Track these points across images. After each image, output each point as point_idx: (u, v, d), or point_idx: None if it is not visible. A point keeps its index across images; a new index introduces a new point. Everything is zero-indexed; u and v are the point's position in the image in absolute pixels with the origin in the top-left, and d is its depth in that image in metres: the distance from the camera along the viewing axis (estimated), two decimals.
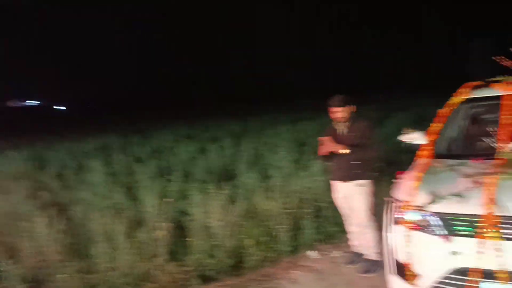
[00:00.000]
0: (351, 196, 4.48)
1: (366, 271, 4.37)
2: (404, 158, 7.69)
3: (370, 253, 4.44)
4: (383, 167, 7.86)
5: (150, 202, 5.88)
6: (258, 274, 4.69)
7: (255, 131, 16.52)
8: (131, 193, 7.46)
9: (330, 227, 5.92)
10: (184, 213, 6.11)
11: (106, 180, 8.02)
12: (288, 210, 5.81)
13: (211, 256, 5.14)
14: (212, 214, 5.32)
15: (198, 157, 9.85)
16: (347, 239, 4.90)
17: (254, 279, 4.60)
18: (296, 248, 5.37)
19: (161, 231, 5.09)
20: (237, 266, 5.12)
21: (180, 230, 5.97)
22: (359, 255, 4.65)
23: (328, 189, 6.38)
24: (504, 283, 2.56)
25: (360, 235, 4.61)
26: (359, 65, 40.87)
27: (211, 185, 6.16)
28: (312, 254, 5.02)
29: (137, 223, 6.09)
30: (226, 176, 8.82)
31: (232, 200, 5.83)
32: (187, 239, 5.40)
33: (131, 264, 4.90)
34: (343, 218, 4.73)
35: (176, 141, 13.97)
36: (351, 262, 4.65)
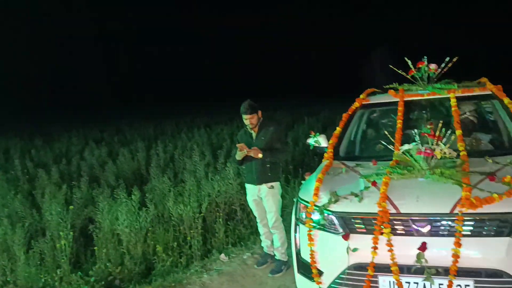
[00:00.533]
0: (262, 198, 4.57)
1: (276, 272, 4.48)
2: (313, 159, 8.05)
3: (280, 254, 4.56)
4: (293, 169, 8.15)
5: (53, 210, 5.52)
6: (168, 281, 4.59)
7: (170, 134, 16.27)
8: (33, 200, 6.98)
9: (243, 229, 6.00)
10: (91, 220, 5.84)
11: (3, 187, 7.41)
12: (201, 214, 5.78)
13: (120, 264, 4.96)
14: (121, 221, 5.12)
15: (108, 162, 9.44)
16: (259, 241, 4.99)
17: (165, 286, 4.50)
18: (208, 252, 5.37)
19: (65, 240, 4.80)
20: (147, 273, 5.00)
21: (86, 239, 5.69)
22: (270, 256, 4.75)
23: (241, 192, 6.48)
24: (396, 275, 2.75)
25: (270, 236, 4.72)
26: (273, 71, 41.96)
27: (120, 191, 5.93)
28: (224, 257, 5.03)
29: (38, 233, 5.70)
30: (137, 180, 8.57)
31: (142, 205, 5.67)
32: (94, 247, 5.16)
33: (30, 277, 4.57)
34: (256, 220, 4.81)
35: (85, 144, 13.33)
36: (262, 263, 4.74)
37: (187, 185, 6.95)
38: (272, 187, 4.53)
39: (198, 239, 5.46)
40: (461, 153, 3.44)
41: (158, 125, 19.29)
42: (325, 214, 3.09)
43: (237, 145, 4.52)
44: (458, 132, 3.71)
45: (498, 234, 2.64)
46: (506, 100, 3.95)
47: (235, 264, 4.85)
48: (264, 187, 4.53)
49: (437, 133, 3.18)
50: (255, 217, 4.83)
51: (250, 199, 4.71)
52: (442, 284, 2.67)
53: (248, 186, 4.70)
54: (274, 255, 4.67)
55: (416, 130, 3.30)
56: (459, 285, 2.64)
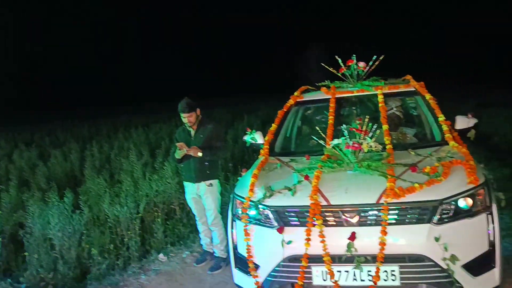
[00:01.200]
0: (201, 196, 4.57)
1: (215, 268, 4.50)
2: (253, 156, 8.11)
3: (219, 251, 4.59)
4: (233, 166, 8.19)
5: None
6: (104, 284, 4.47)
7: (106, 134, 15.76)
8: None
9: (182, 228, 5.95)
10: (21, 225, 5.55)
11: None
12: (139, 215, 5.67)
13: (53, 269, 4.75)
14: (53, 225, 4.91)
15: (39, 164, 9.00)
16: (198, 239, 4.99)
17: None
18: (147, 253, 5.28)
19: None
20: (82, 277, 4.83)
21: (17, 244, 5.40)
22: (209, 254, 4.76)
23: (180, 191, 6.42)
24: (328, 264, 2.87)
25: (210, 233, 4.73)
26: (212, 69, 41.84)
27: (52, 194, 5.68)
28: (162, 257, 4.97)
29: None
30: (71, 183, 8.24)
31: (76, 208, 5.47)
32: (25, 253, 4.91)
33: None
34: (195, 219, 4.80)
35: (14, 147, 12.60)
36: (202, 261, 4.74)
37: (124, 186, 6.80)
38: (211, 185, 4.54)
39: (136, 240, 5.35)
40: (387, 147, 3.65)
41: (93, 126, 18.62)
42: (260, 209, 3.15)
43: (176, 144, 4.48)
44: (385, 127, 3.92)
45: (419, 221, 2.83)
46: (428, 96, 4.21)
47: (174, 263, 4.81)
48: (203, 185, 4.53)
49: (364, 128, 3.33)
50: (194, 215, 4.82)
51: (189, 197, 4.70)
52: (370, 271, 2.82)
53: (187, 184, 4.68)
54: (214, 252, 4.69)
55: (345, 126, 3.44)
56: (386, 271, 2.80)
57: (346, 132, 3.38)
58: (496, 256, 2.87)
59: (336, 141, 3.33)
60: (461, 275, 2.76)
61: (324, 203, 2.97)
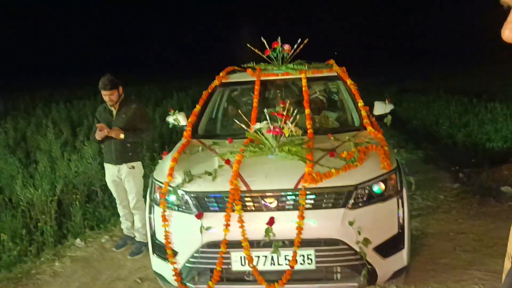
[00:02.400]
0: (123, 179, 4.39)
1: (136, 253, 4.37)
2: (177, 138, 7.91)
3: (140, 235, 4.45)
4: (160, 147, 7.98)
5: None
6: (15, 272, 4.19)
7: (23, 110, 14.70)
8: None
9: (104, 211, 5.72)
10: None
11: None
12: (55, 198, 5.36)
13: None
14: None
15: None
16: (119, 223, 4.81)
17: (10, 278, 4.09)
18: (63, 238, 5.01)
19: None
20: None
21: None
22: (129, 238, 4.62)
23: (102, 172, 6.13)
24: (247, 250, 2.87)
25: (131, 217, 4.58)
26: (138, 42, 40.34)
27: None
28: (79, 242, 4.74)
29: None
30: None
31: None
32: None
33: None
34: (116, 201, 4.61)
35: None
36: (122, 245, 4.58)
37: (40, 167, 6.40)
38: (133, 167, 4.36)
39: (51, 225, 5.06)
40: (308, 131, 3.69)
41: (9, 100, 17.27)
42: (179, 194, 3.07)
43: (97, 125, 4.23)
44: (307, 111, 3.97)
45: (335, 206, 2.90)
46: (349, 81, 4.31)
47: (91, 249, 4.61)
48: (124, 167, 4.35)
49: (285, 113, 3.33)
50: (115, 207, 4.63)
51: (109, 179, 4.49)
52: (287, 255, 2.85)
53: (107, 166, 4.47)
54: (134, 236, 4.55)
55: (266, 110, 3.42)
56: (302, 255, 2.85)
57: (268, 117, 3.36)
58: (405, 238, 3.02)
59: (258, 125, 3.31)
60: (372, 257, 2.88)
61: (244, 188, 2.95)
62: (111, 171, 4.41)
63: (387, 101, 4.15)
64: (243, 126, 3.53)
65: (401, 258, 3.03)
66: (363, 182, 2.94)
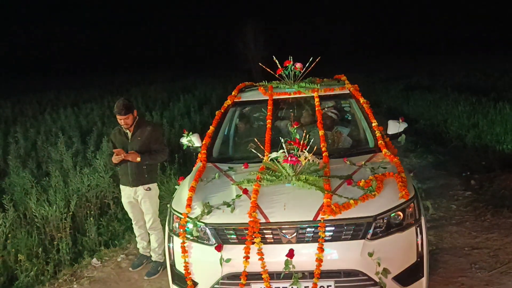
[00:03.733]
0: (139, 201, 4.43)
1: (152, 274, 4.41)
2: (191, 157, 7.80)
3: (157, 255, 4.49)
4: (170, 154, 7.96)
5: None
6: None
7: (31, 115, 14.77)
8: None
9: (117, 225, 5.76)
10: None
11: None
12: (69, 214, 5.40)
13: None
14: None
15: None
16: (134, 239, 4.85)
17: None
18: (79, 255, 5.06)
19: None
20: (9, 285, 4.56)
21: None
22: (145, 257, 4.66)
23: (114, 184, 6.18)
24: (267, 282, 2.90)
25: (147, 237, 4.62)
26: (143, 42, 40.27)
27: None
28: (96, 262, 4.79)
29: None
30: None
31: None
32: None
33: None
34: (132, 222, 4.65)
35: None
36: (138, 265, 4.62)
37: (53, 180, 6.44)
38: (149, 189, 4.40)
39: (67, 242, 5.11)
40: (323, 154, 3.70)
41: (16, 104, 17.35)
42: (198, 226, 3.10)
43: (114, 150, 4.26)
44: (321, 132, 3.98)
45: (354, 237, 2.92)
46: (362, 100, 4.31)
47: (108, 269, 4.66)
48: (141, 189, 4.38)
49: (302, 142, 3.34)
50: (130, 219, 4.67)
51: (126, 201, 4.53)
52: (307, 287, 2.88)
53: (124, 188, 4.51)
54: (150, 256, 4.59)
55: (282, 139, 3.42)
56: (322, 286, 2.87)
57: (284, 145, 3.37)
58: (424, 266, 3.04)
59: (274, 155, 3.32)
60: (392, 286, 2.89)
61: (263, 220, 2.97)
62: (127, 192, 4.45)
63: (400, 120, 4.15)
64: (259, 154, 3.54)
65: (421, 286, 3.05)
66: (382, 213, 2.95)
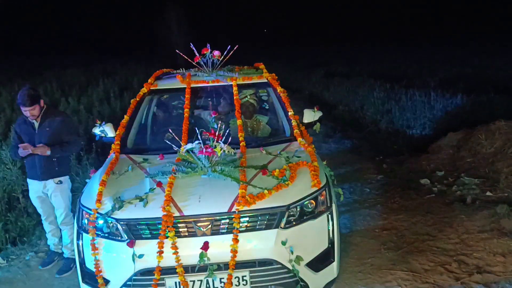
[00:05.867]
0: (49, 195, 4.16)
1: (64, 271, 4.18)
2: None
3: (69, 251, 4.27)
4: (87, 143, 7.59)
5: None
6: None
7: None
8: None
9: (27, 220, 5.39)
10: None
11: None
12: None
13: None
14: None
15: None
16: (45, 238, 4.57)
17: None
18: None
19: None
20: None
21: None
22: (57, 254, 4.42)
23: (23, 176, 5.75)
24: (181, 275, 2.85)
25: (58, 233, 4.37)
26: (60, 24, 37.72)
27: None
28: (1, 261, 4.45)
29: None
30: None
31: None
32: None
33: None
34: (42, 218, 4.36)
35: None
36: (49, 262, 4.37)
37: None
38: (60, 182, 4.14)
39: None
40: (240, 144, 3.70)
41: None
42: (109, 222, 2.97)
43: (20, 145, 3.93)
44: (239, 121, 3.97)
45: (268, 227, 2.96)
46: (279, 89, 4.36)
47: (15, 268, 4.34)
48: (51, 182, 4.11)
49: (218, 132, 3.30)
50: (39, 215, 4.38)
51: (34, 195, 4.23)
52: (223, 278, 2.88)
53: (31, 182, 4.20)
54: (63, 253, 4.35)
55: (197, 129, 3.36)
56: (237, 277, 2.89)
57: (200, 136, 3.31)
58: (335, 251, 3.17)
59: (189, 146, 3.25)
60: (305, 273, 2.98)
61: (177, 213, 2.91)
62: (35, 187, 4.16)
63: (315, 109, 4.25)
64: (173, 145, 3.45)
65: (332, 270, 3.17)
66: (295, 202, 3.02)
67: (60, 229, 4.33)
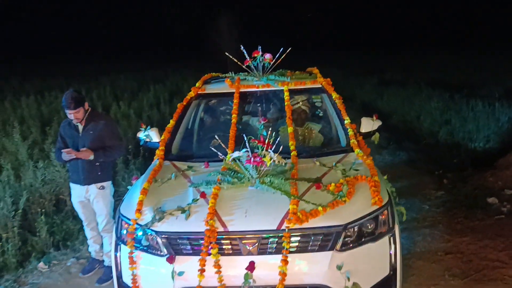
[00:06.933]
0: (91, 200, 4.04)
1: (104, 280, 4.04)
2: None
3: (109, 260, 4.11)
4: (134, 148, 7.53)
5: None
6: None
7: None
8: None
9: (71, 224, 5.34)
10: None
11: None
12: (18, 212, 4.95)
13: None
14: None
15: None
16: (86, 244, 4.47)
17: None
18: (28, 257, 4.63)
19: None
20: None
21: None
22: (98, 262, 4.29)
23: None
24: None
25: (99, 240, 4.25)
26: (118, 30, 39.01)
27: None
28: (43, 266, 4.37)
29: None
30: None
31: None
32: None
33: None
34: (83, 223, 4.26)
35: None
36: (89, 270, 4.25)
37: (3, 175, 5.95)
38: (102, 187, 4.02)
39: (14, 243, 4.67)
40: (291, 153, 3.40)
41: None
42: (148, 234, 2.75)
43: (64, 150, 3.83)
44: (290, 129, 3.68)
45: (322, 248, 2.63)
46: (334, 95, 4.03)
47: (56, 274, 4.25)
48: (93, 187, 4.00)
49: (267, 140, 3.01)
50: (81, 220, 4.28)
51: (76, 200, 4.13)
52: None
53: (74, 186, 4.11)
54: (103, 260, 4.22)
55: (245, 136, 3.09)
56: None
57: (247, 144, 3.04)
58: (397, 279, 2.79)
59: (236, 154, 2.99)
60: None
61: (221, 228, 2.65)
62: (78, 191, 4.06)
63: (374, 117, 3.89)
64: (219, 153, 3.20)
65: None
66: (353, 221, 2.68)
67: (102, 236, 4.20)
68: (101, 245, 4.26)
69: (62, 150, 3.83)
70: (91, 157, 3.84)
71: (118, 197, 4.60)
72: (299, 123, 4.20)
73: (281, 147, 3.12)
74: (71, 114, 3.82)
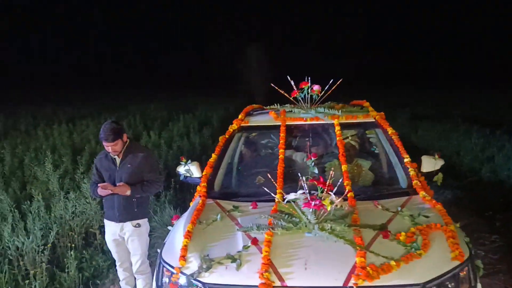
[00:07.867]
0: (126, 238, 3.78)
1: None
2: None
3: None
4: (166, 178, 7.29)
5: None
6: None
7: (23, 129, 14.11)
8: None
9: (101, 260, 5.07)
10: None
11: None
12: (48, 246, 4.73)
13: None
14: None
15: None
16: (119, 284, 4.17)
17: None
18: None
19: None
20: None
21: None
22: None
23: (101, 212, 5.49)
24: None
25: (133, 281, 3.96)
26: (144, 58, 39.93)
27: None
28: None
29: None
30: None
31: None
32: None
33: None
34: (116, 263, 3.99)
35: None
36: None
37: (33, 206, 5.77)
38: (138, 225, 3.74)
39: (42, 279, 4.42)
40: (348, 194, 3.07)
41: (10, 118, 16.66)
42: (195, 286, 2.44)
43: (100, 185, 3.62)
44: (344, 167, 3.36)
45: None
46: (390, 130, 3.71)
47: None
48: (128, 225, 3.73)
49: (328, 181, 2.70)
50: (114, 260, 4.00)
51: (110, 238, 3.87)
52: None
53: (108, 223, 3.85)
54: None
55: (302, 176, 2.79)
56: None
57: (305, 184, 2.73)
58: None
59: (292, 196, 2.67)
60: None
61: (277, 283, 2.31)
62: (112, 229, 3.80)
63: (436, 156, 3.54)
64: (270, 192, 2.90)
65: None
66: (432, 280, 2.30)
67: (135, 278, 3.90)
68: (134, 287, 3.96)
69: (99, 185, 3.59)
70: (128, 192, 3.60)
71: (150, 232, 4.32)
72: (348, 159, 3.87)
73: (337, 186, 2.80)
74: (108, 147, 3.59)
